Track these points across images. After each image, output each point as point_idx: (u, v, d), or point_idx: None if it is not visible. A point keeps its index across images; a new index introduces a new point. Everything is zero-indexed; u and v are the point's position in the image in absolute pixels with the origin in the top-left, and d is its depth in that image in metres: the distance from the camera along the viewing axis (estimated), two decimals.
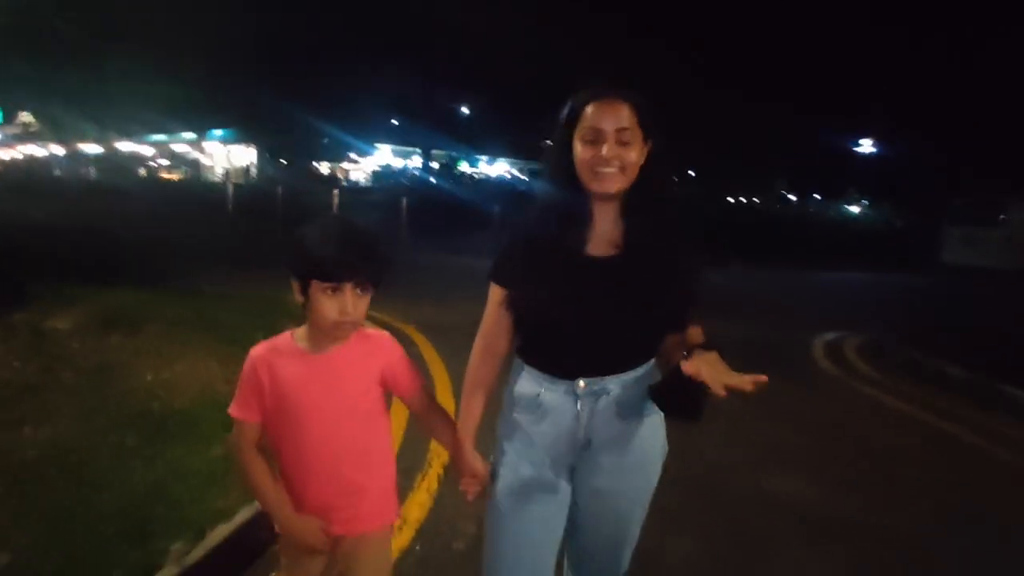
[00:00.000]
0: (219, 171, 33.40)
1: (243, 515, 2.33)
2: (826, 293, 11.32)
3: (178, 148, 34.64)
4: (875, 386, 5.01)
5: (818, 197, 35.77)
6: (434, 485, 2.88)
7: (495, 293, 1.41)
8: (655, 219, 1.35)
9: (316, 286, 1.26)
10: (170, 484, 2.60)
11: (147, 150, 34.01)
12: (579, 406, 1.35)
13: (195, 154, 34.91)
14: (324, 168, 37.02)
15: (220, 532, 2.22)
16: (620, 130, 1.28)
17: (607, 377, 1.35)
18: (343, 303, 1.26)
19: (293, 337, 1.36)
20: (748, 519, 2.82)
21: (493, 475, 1.43)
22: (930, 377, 5.23)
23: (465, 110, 34.81)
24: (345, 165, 38.39)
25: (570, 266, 1.33)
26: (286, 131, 29.49)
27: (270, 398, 1.32)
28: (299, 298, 1.31)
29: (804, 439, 3.79)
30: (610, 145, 1.27)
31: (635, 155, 1.31)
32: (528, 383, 1.40)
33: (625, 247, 1.34)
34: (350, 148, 35.73)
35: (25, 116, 33.29)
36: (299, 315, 1.40)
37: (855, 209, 32.91)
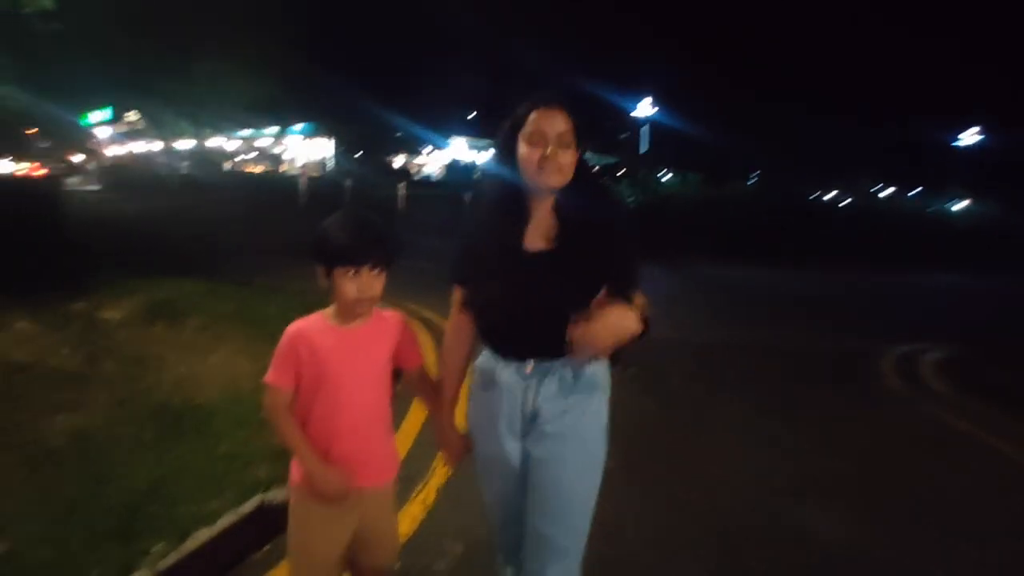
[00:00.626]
0: (298, 164, 34.96)
1: (225, 521, 2.33)
2: (911, 298, 10.38)
3: (261, 143, 36.54)
4: (949, 410, 4.46)
5: (916, 192, 33.02)
6: (431, 498, 2.79)
7: (455, 290, 1.63)
8: (585, 215, 1.49)
9: (338, 271, 1.47)
10: (171, 481, 2.66)
11: (233, 145, 36.08)
12: (526, 384, 1.52)
13: (277, 148, 36.71)
14: (398, 161, 37.92)
15: (199, 537, 2.22)
16: (560, 134, 1.46)
17: (552, 360, 1.49)
18: (361, 283, 1.48)
19: (323, 316, 1.57)
20: (762, 557, 2.54)
21: (473, 445, 1.65)
22: (1021, 403, 4.62)
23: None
24: (419, 159, 39.17)
25: (508, 261, 1.49)
26: (362, 125, 30.39)
27: (308, 367, 1.52)
28: (324, 282, 1.52)
29: (852, 468, 3.41)
30: (553, 147, 1.45)
31: (571, 157, 1.48)
32: (487, 361, 1.59)
33: (557, 242, 1.49)
34: (424, 142, 36.41)
35: (131, 115, 36.23)
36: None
37: (958, 206, 30.14)
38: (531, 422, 1.52)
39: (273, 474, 2.78)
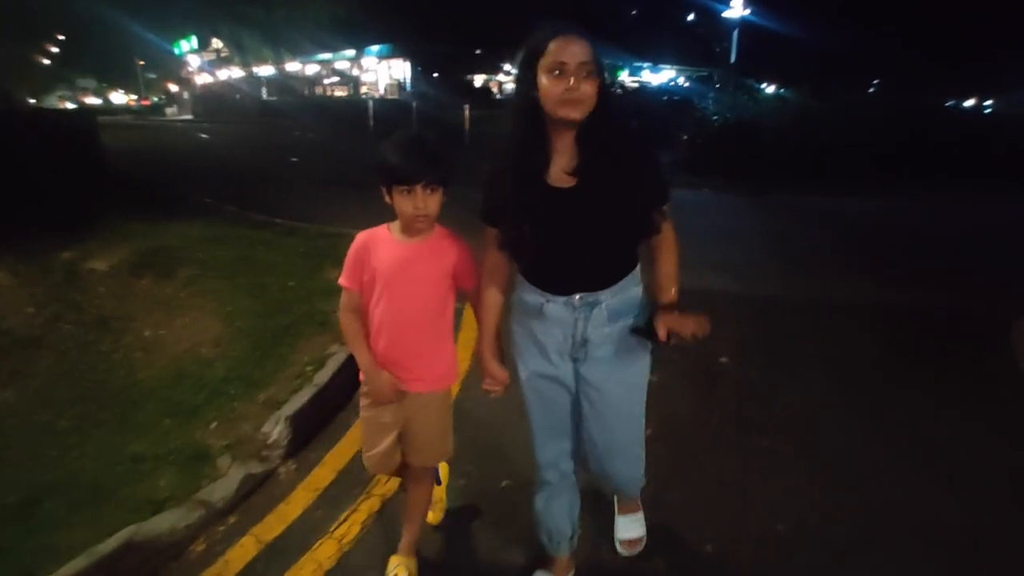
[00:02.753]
0: (381, 87, 34.47)
1: (71, 568, 1.86)
2: None
3: (340, 66, 36.23)
4: None
5: None
6: (355, 531, 2.21)
7: (488, 230, 1.60)
8: (607, 147, 1.44)
9: (396, 189, 1.57)
10: (53, 493, 2.25)
11: (312, 69, 36.03)
12: (575, 316, 1.59)
13: (355, 71, 36.29)
14: (478, 80, 36.58)
15: None
16: (581, 64, 1.38)
17: (598, 292, 1.57)
18: (416, 201, 1.57)
19: (388, 228, 1.69)
20: None
21: (517, 366, 1.71)
22: None
23: (634, 14, 31.67)
24: (500, 77, 37.55)
25: (533, 198, 1.47)
26: (440, 43, 29.19)
27: (367, 273, 1.66)
28: (388, 200, 1.60)
29: (960, 495, 2.43)
30: (576, 77, 1.38)
31: (592, 88, 1.41)
32: (532, 295, 1.61)
33: (581, 176, 1.46)
34: (506, 59, 34.68)
35: (217, 43, 36.97)
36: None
37: None
38: (581, 347, 1.61)
39: (177, 486, 2.30)
